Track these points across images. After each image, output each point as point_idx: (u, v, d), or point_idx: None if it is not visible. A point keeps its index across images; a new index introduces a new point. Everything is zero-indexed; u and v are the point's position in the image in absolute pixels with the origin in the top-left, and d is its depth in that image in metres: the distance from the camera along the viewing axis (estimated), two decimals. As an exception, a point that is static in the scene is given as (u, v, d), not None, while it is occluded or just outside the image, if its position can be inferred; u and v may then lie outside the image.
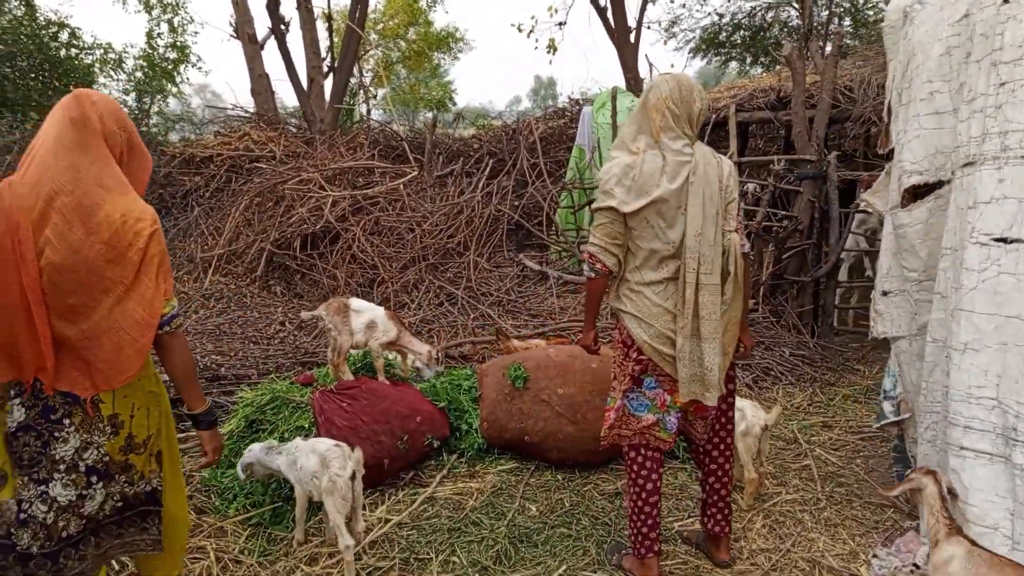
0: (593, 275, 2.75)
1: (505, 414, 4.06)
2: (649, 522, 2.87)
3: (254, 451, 3.28)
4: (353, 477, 2.97)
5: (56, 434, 2.02)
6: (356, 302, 4.17)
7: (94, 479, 2.08)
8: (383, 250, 7.45)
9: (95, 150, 1.98)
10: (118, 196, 1.98)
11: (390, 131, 11.33)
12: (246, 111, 11.84)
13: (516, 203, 8.50)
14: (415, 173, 8.82)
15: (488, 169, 9.22)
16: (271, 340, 6.17)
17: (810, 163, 6.80)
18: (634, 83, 12.59)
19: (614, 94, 8.64)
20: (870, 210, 3.67)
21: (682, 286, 2.65)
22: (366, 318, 4.05)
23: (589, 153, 8.77)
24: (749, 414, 3.53)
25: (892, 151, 3.12)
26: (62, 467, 2.03)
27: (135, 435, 2.14)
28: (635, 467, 2.89)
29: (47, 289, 1.92)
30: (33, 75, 12.65)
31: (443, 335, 6.02)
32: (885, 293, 3.20)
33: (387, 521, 3.43)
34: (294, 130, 11.39)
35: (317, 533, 3.30)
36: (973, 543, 2.31)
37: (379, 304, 6.69)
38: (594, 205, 2.72)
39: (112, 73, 14.82)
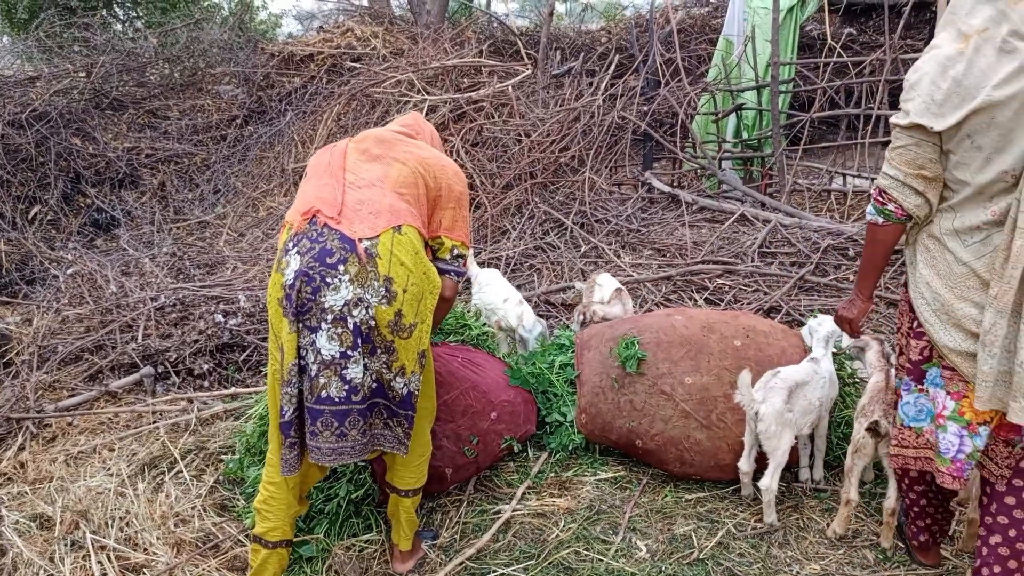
0: (880, 220, 1.98)
1: (611, 407, 3.03)
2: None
3: None
4: None
5: (328, 280, 2.03)
6: (602, 277, 3.93)
7: (359, 341, 2.05)
8: (484, 165, 6.39)
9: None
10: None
11: (503, 24, 9.99)
12: (351, 2, 10.84)
13: (645, 108, 7.09)
14: (528, 72, 7.55)
15: (613, 66, 7.79)
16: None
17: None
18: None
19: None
20: None
21: (1008, 233, 1.75)
22: (604, 292, 3.80)
23: (739, 46, 7.14)
24: None
25: None
26: (329, 317, 2.03)
27: (404, 314, 2.11)
28: (911, 512, 2.32)
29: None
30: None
31: (546, 275, 4.99)
32: None
33: (440, 551, 2.56)
34: (401, 25, 10.28)
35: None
36: None
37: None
38: (892, 118, 1.90)
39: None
